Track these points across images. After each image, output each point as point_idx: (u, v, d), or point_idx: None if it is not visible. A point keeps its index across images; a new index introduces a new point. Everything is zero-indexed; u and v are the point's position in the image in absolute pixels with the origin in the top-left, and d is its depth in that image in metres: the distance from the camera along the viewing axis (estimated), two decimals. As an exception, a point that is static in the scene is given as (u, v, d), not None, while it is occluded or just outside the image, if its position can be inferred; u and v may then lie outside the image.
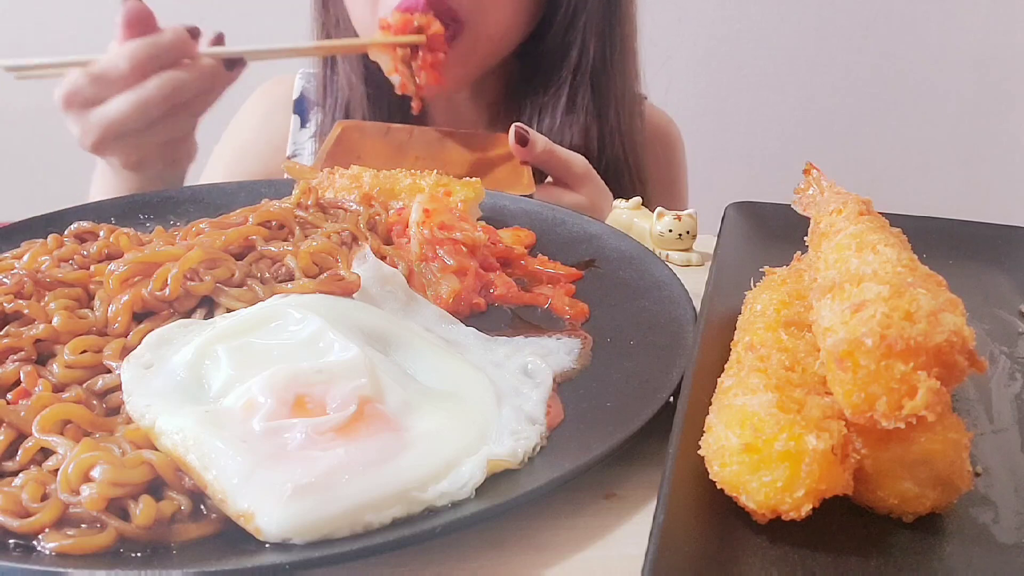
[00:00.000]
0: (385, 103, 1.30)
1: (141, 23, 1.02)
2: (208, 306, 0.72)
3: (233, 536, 0.53)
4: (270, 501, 0.52)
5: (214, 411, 0.58)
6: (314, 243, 0.78)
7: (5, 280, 0.72)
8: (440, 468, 0.56)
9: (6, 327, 0.69)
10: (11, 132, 2.34)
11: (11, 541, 0.53)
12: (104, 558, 0.51)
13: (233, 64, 1.08)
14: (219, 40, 1.08)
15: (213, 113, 1.12)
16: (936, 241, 0.81)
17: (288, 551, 0.51)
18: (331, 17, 1.30)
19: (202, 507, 0.55)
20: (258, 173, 1.38)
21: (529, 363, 0.70)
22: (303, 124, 1.44)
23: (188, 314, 0.71)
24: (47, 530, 0.53)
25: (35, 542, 0.53)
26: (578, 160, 1.12)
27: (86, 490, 0.53)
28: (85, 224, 0.86)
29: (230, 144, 1.47)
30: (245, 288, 0.72)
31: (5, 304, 0.69)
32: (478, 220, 0.94)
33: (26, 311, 0.69)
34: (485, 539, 0.55)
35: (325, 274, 0.75)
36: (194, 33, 1.04)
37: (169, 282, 0.70)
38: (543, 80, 1.27)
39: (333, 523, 0.52)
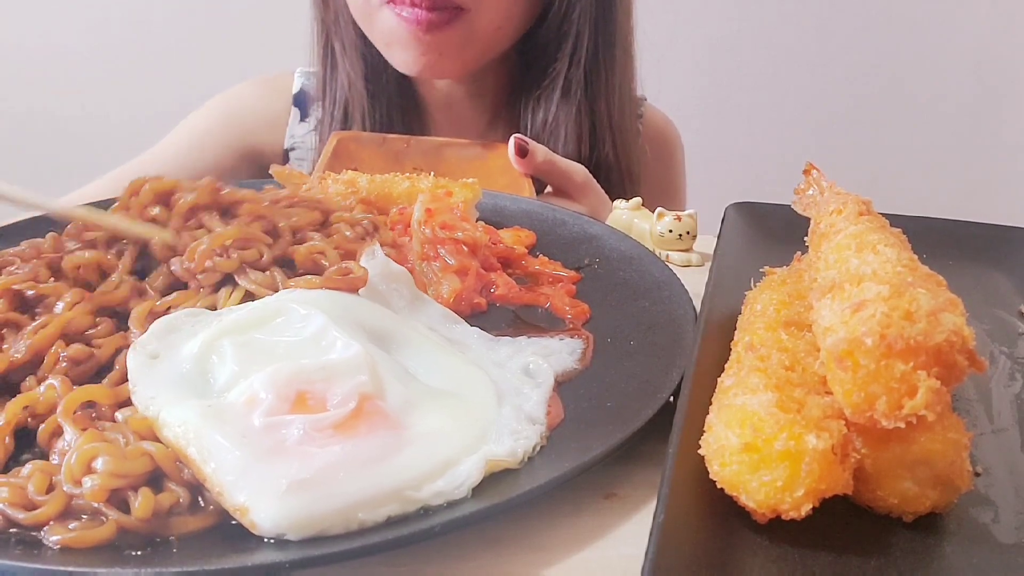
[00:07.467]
0: (384, 101, 1.30)
1: None
2: (232, 284, 0.73)
3: (233, 532, 0.53)
4: (265, 496, 0.52)
5: (217, 405, 0.59)
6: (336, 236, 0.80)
7: (17, 271, 0.74)
8: (437, 467, 0.56)
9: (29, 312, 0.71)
10: (11, 132, 2.34)
11: (13, 532, 0.53)
12: (104, 557, 0.51)
13: None
14: None
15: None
16: (936, 241, 0.80)
17: (288, 549, 0.51)
18: (331, 13, 1.30)
19: (200, 499, 0.55)
20: (240, 148, 1.35)
21: (531, 363, 0.70)
22: (303, 118, 1.43)
23: (216, 288, 0.73)
24: (51, 522, 0.53)
25: (40, 534, 0.53)
26: (578, 170, 1.11)
27: (88, 481, 0.54)
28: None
29: (214, 113, 1.40)
30: (267, 274, 0.73)
31: (27, 291, 0.71)
32: (475, 221, 0.94)
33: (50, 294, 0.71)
34: (485, 538, 0.55)
35: (333, 267, 0.75)
36: None
37: (196, 256, 0.73)
38: (539, 72, 1.27)
39: (327, 520, 0.52)
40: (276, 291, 0.72)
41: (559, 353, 0.72)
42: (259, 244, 0.75)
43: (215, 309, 0.71)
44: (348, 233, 0.81)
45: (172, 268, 0.75)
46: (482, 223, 0.92)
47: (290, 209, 0.81)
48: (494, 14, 1.17)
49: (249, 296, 0.73)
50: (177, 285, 0.75)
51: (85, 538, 0.52)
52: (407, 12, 1.14)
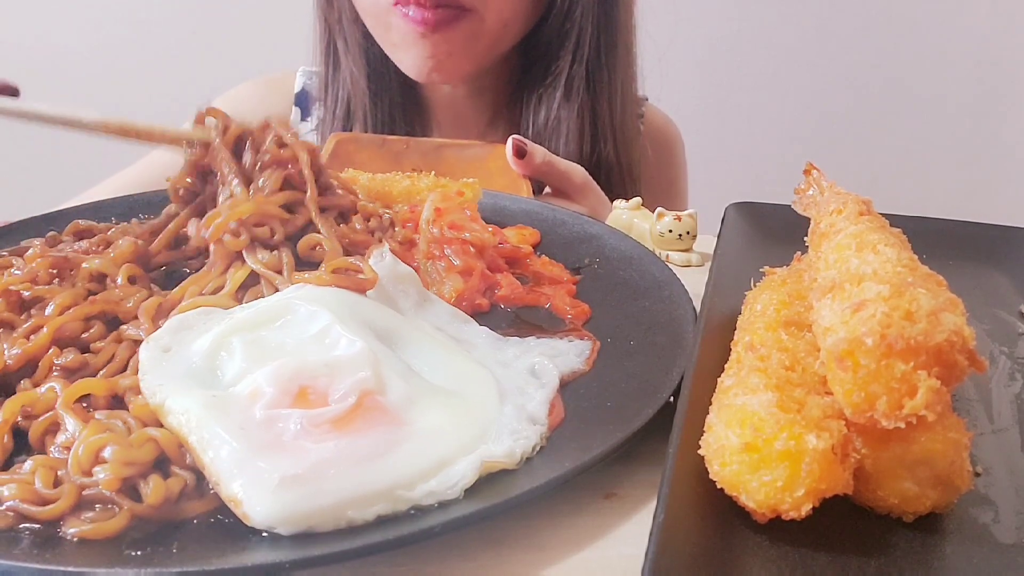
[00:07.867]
0: (387, 100, 1.30)
1: None
2: (240, 261, 0.75)
3: (233, 531, 0.53)
4: (258, 489, 0.53)
5: (221, 396, 0.60)
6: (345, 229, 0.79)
7: (17, 271, 0.74)
8: (431, 466, 0.56)
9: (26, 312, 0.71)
10: (11, 131, 2.34)
11: (23, 528, 0.54)
12: (104, 557, 0.51)
13: None
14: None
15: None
16: (936, 241, 0.80)
17: (288, 549, 0.51)
18: (335, 12, 1.30)
19: (206, 482, 0.56)
20: None
21: (536, 364, 0.70)
22: (304, 117, 1.43)
23: (225, 268, 0.74)
24: (67, 516, 0.54)
25: (58, 528, 0.54)
26: (577, 171, 1.11)
27: (99, 472, 0.54)
28: (83, 223, 0.86)
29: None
30: (274, 254, 0.74)
31: (23, 292, 0.71)
32: (476, 221, 0.94)
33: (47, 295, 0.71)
34: (485, 538, 0.55)
35: (336, 260, 0.75)
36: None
37: (212, 228, 0.74)
38: (541, 71, 1.27)
39: (316, 516, 0.52)
40: (280, 273, 0.73)
41: (566, 354, 0.72)
42: (273, 221, 0.75)
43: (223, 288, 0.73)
44: (359, 226, 0.81)
45: (189, 232, 0.77)
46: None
47: (339, 193, 0.82)
48: (501, 12, 1.18)
49: (254, 276, 0.74)
50: (177, 277, 0.76)
51: (102, 529, 0.53)
52: (412, 12, 1.14)
